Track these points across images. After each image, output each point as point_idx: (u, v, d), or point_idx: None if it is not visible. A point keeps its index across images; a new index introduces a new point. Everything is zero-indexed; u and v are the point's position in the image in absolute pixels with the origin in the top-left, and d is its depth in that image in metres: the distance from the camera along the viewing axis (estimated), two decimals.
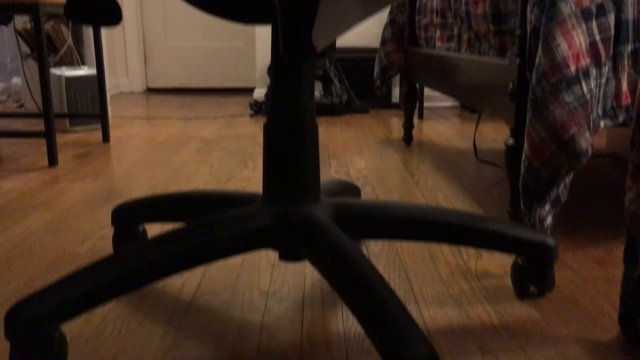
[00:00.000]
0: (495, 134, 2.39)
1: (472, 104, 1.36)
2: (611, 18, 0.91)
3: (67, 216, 1.29)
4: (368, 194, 1.47)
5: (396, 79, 3.13)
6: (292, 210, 0.78)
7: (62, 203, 1.40)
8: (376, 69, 2.24)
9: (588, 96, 0.86)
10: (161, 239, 0.73)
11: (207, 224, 0.76)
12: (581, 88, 0.86)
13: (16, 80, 3.46)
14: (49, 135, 1.77)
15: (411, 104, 2.15)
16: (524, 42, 1.01)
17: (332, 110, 2.95)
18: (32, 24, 2.08)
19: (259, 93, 3.30)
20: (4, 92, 3.38)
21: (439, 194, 1.48)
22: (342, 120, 2.79)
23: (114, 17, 0.79)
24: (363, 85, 3.12)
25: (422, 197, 1.45)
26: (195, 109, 3.22)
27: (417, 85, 2.17)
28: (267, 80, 3.27)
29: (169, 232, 0.74)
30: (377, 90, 2.26)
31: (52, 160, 1.79)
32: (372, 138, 2.30)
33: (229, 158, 1.92)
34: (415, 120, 2.79)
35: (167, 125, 2.64)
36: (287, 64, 0.75)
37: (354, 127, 2.59)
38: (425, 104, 3.22)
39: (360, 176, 1.68)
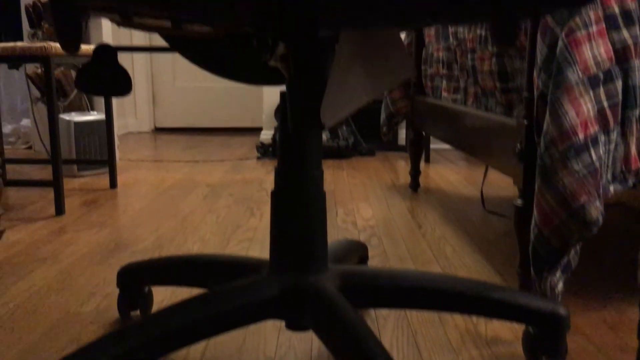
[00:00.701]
0: (502, 182, 2.38)
1: (479, 159, 1.36)
2: (619, 84, 0.91)
3: (72, 271, 1.29)
4: (375, 247, 1.46)
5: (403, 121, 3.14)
6: (299, 281, 0.77)
7: (67, 256, 1.39)
8: (382, 116, 2.25)
9: (597, 164, 0.86)
10: (165, 313, 0.72)
11: (213, 297, 0.75)
12: (590, 156, 0.86)
13: (25, 122, 3.50)
14: (56, 184, 1.78)
15: (417, 151, 2.15)
16: (531, 105, 1.01)
17: (339, 153, 2.95)
18: (43, 69, 2.11)
19: (266, 135, 3.32)
20: (14, 133, 3.42)
21: (447, 247, 1.47)
22: (348, 164, 2.79)
23: (124, 87, 0.79)
24: (369, 127, 3.13)
25: (430, 250, 1.43)
26: (202, 150, 3.24)
27: (424, 132, 2.17)
28: (274, 122, 3.29)
29: (173, 305, 0.73)
30: (384, 136, 2.27)
31: (60, 210, 1.79)
32: (379, 184, 2.30)
33: (235, 206, 1.92)
34: (422, 164, 2.79)
35: (174, 168, 2.65)
36: (295, 136, 0.75)
37: (360, 171, 2.59)
38: (432, 146, 3.23)
39: (367, 226, 1.67)
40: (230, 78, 0.88)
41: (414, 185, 2.15)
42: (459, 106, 1.58)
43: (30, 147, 3.42)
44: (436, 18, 0.57)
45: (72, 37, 0.54)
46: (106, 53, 0.77)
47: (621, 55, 0.91)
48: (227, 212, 1.84)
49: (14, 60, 1.73)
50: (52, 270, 1.30)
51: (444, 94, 1.79)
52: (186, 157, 2.99)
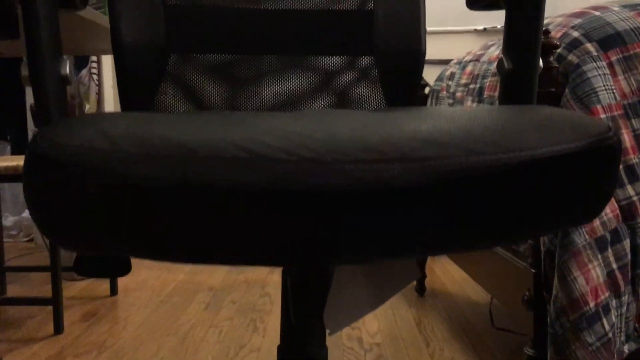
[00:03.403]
0: None
1: (488, 290, 1.34)
2: (626, 243, 0.89)
3: None
4: None
5: None
6: None
7: None
8: None
9: (610, 334, 0.83)
10: None
11: None
12: (602, 326, 0.83)
13: (28, 213, 3.50)
14: (56, 302, 1.74)
15: (424, 258, 2.12)
16: (538, 252, 0.99)
17: None
18: None
19: None
20: (15, 226, 3.41)
21: None
22: None
23: (123, 269, 0.78)
24: None
25: None
26: None
27: None
28: None
29: None
30: None
31: (58, 329, 1.75)
32: None
33: (237, 318, 1.88)
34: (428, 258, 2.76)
35: (175, 268, 2.62)
36: (298, 326, 0.73)
37: None
38: None
39: (373, 344, 1.62)
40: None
41: (420, 289, 2.11)
42: None
43: (31, 240, 3.40)
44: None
45: None
46: None
47: (627, 212, 0.90)
48: (229, 326, 1.80)
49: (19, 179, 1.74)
50: None
51: None
52: None
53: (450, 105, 1.62)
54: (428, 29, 3.07)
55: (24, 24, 0.67)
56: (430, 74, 3.02)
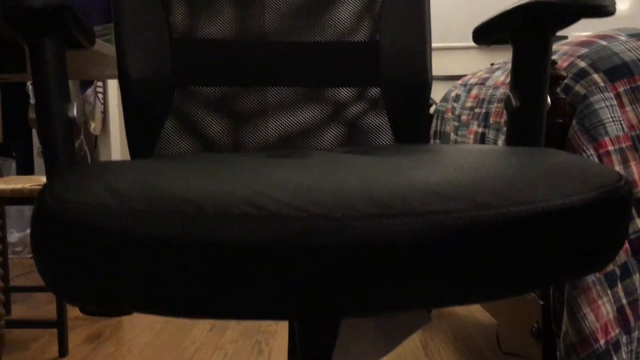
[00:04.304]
0: None
1: (495, 318, 1.33)
2: (636, 277, 0.88)
3: None
4: None
5: None
6: None
7: None
8: None
9: None
10: None
11: None
12: None
13: None
14: (60, 325, 1.74)
15: None
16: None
17: None
18: None
19: None
20: (20, 242, 3.41)
21: None
22: None
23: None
24: None
25: None
26: None
27: None
28: None
29: None
30: None
31: (63, 352, 1.75)
32: None
33: (242, 340, 1.87)
34: None
35: None
36: None
37: None
38: None
39: None
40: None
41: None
42: None
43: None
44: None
45: None
46: None
47: (636, 246, 0.89)
48: (234, 349, 1.79)
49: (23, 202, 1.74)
50: None
51: None
52: None
53: (456, 127, 1.62)
54: (432, 44, 3.10)
55: (31, 67, 0.67)
56: (434, 90, 3.02)
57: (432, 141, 1.92)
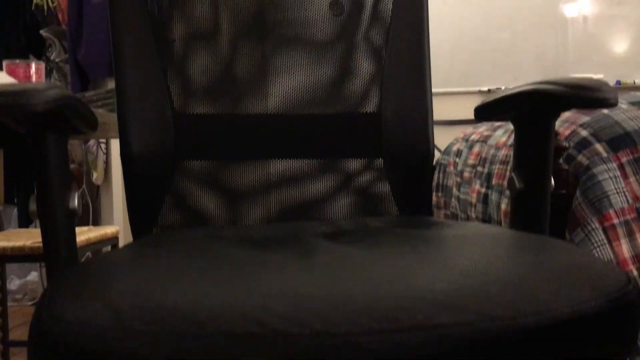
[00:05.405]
0: None
1: None
2: None
3: None
4: None
5: None
6: None
7: None
8: None
9: None
10: None
11: None
12: None
13: (33, 275, 3.48)
14: None
15: None
16: None
17: None
18: None
19: None
20: (20, 290, 3.38)
21: None
22: None
23: None
24: None
25: None
26: None
27: None
28: None
29: None
30: None
31: None
32: None
33: None
34: None
35: None
36: None
37: None
38: None
39: None
40: None
41: None
42: None
43: (36, 303, 3.36)
44: None
45: None
46: None
47: None
48: None
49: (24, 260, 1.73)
50: None
51: None
52: None
53: (458, 184, 1.61)
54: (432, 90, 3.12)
55: (33, 158, 0.67)
56: (436, 136, 3.02)
57: (434, 194, 1.91)
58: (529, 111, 0.73)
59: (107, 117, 1.09)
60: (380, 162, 0.98)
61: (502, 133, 1.39)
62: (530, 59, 3.54)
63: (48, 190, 0.66)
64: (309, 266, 0.56)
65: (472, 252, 0.61)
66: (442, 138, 2.74)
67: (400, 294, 0.50)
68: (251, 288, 0.50)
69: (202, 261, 0.59)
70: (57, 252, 0.65)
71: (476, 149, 1.52)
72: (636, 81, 3.50)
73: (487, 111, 0.80)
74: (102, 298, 0.48)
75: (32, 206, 0.66)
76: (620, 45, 3.57)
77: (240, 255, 0.61)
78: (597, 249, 0.91)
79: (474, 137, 1.61)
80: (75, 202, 0.68)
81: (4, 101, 0.53)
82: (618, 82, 3.51)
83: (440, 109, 3.38)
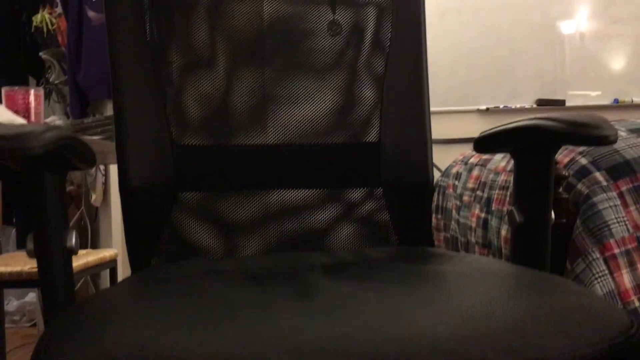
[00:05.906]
0: None
1: None
2: None
3: None
4: None
5: None
6: None
7: None
8: None
9: None
10: None
11: None
12: None
13: (31, 296, 3.45)
14: None
15: None
16: None
17: None
18: None
19: None
20: (18, 311, 3.36)
21: None
22: None
23: None
24: None
25: None
26: None
27: None
28: None
29: None
30: None
31: None
32: None
33: None
34: None
35: None
36: None
37: None
38: None
39: None
40: None
41: None
42: None
43: (34, 325, 3.35)
44: None
45: None
46: None
47: None
48: None
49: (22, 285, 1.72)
50: None
51: None
52: None
53: (458, 207, 1.61)
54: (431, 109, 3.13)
55: (30, 195, 0.66)
56: (435, 154, 3.03)
57: (433, 216, 1.91)
58: (529, 145, 0.73)
59: (106, 146, 1.09)
60: (379, 191, 0.98)
61: (501, 158, 1.39)
62: (528, 77, 3.56)
63: (45, 228, 0.65)
64: (309, 310, 0.56)
65: (473, 292, 0.60)
66: (440, 157, 2.74)
67: (403, 340, 0.50)
68: (250, 336, 0.50)
69: (200, 304, 0.59)
70: (54, 292, 0.65)
71: (475, 172, 1.52)
72: (634, 99, 3.52)
73: (486, 144, 0.80)
74: (99, 348, 0.47)
75: (30, 245, 0.65)
76: (617, 63, 3.59)
77: (239, 296, 0.61)
78: (599, 280, 0.91)
79: (473, 160, 1.61)
80: (72, 240, 0.67)
81: (2, 145, 0.53)
82: (616, 100, 3.53)
83: (439, 128, 3.38)
